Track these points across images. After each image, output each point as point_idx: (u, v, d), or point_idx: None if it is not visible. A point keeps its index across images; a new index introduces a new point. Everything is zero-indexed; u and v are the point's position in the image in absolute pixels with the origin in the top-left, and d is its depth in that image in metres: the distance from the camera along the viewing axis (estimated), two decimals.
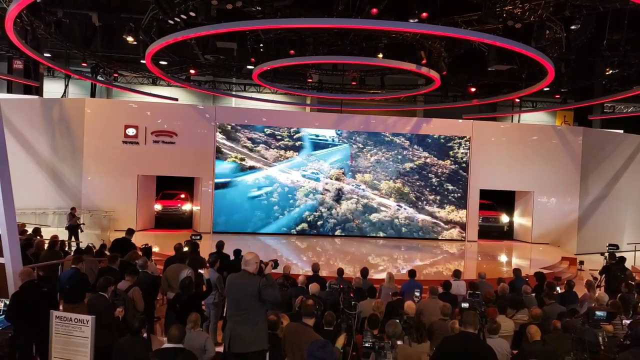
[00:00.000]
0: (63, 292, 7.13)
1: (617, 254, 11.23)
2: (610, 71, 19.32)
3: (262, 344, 5.03)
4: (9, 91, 21.69)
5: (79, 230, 15.04)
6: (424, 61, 16.93)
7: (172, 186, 20.07)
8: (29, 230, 11.44)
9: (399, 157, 18.65)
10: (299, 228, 18.16)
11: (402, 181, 18.58)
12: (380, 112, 23.21)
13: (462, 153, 18.64)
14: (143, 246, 10.22)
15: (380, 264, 13.13)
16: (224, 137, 17.98)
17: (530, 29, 13.93)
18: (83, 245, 11.47)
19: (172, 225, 18.57)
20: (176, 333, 4.77)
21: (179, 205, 19.57)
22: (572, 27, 14.21)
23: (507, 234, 19.95)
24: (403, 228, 18.48)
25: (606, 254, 11.54)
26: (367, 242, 17.72)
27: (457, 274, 9.17)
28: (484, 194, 19.28)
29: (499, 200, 19.99)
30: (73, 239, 14.55)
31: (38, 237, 10.23)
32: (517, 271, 9.45)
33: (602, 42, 16.63)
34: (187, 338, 5.03)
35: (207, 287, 7.17)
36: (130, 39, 17.02)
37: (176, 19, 13.84)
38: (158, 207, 19.36)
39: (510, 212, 20.24)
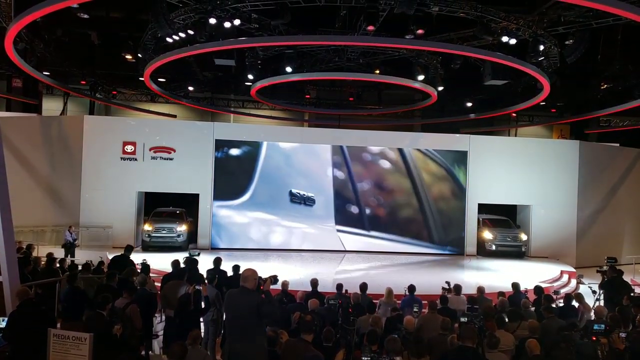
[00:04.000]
0: (62, 309, 7.10)
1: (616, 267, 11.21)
2: (605, 85, 19.52)
3: None
4: (8, 109, 21.83)
5: (74, 248, 14.97)
6: (420, 77, 17.08)
7: (159, 203, 17.98)
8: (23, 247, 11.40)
9: None
10: None
11: None
12: (377, 127, 23.33)
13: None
14: (143, 261, 10.19)
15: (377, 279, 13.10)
16: None
17: (525, 45, 14.11)
18: (80, 263, 11.42)
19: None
20: (178, 350, 4.74)
21: (174, 227, 16.36)
22: (567, 43, 14.40)
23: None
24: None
25: (605, 267, 11.52)
26: (364, 257, 17.67)
27: (456, 288, 9.13)
28: (496, 209, 18.86)
29: (499, 215, 19.75)
30: (69, 256, 14.48)
31: (32, 254, 10.21)
32: (516, 285, 9.42)
33: (596, 57, 16.85)
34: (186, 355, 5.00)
35: (205, 304, 7.14)
36: (129, 56, 17.17)
37: (175, 37, 13.98)
38: (148, 228, 16.38)
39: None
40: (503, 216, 19.07)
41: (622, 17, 12.14)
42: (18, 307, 5.93)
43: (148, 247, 16.22)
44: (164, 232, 16.29)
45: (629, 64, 17.32)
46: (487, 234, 18.10)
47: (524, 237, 18.05)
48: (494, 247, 17.85)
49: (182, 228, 16.64)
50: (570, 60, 14.61)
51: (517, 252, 17.84)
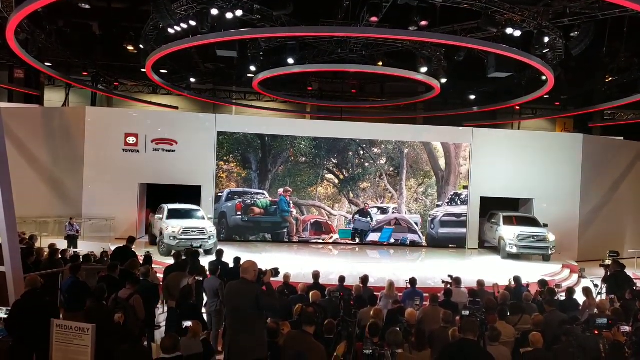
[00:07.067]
0: (65, 300, 7.13)
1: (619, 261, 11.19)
2: (610, 78, 19.41)
3: (261, 351, 5.01)
4: (10, 100, 21.84)
5: (77, 239, 15.01)
6: (423, 69, 17.01)
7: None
8: (26, 238, 11.44)
9: None
10: None
11: None
12: (380, 119, 23.27)
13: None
14: (146, 253, 10.21)
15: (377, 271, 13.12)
16: None
17: (529, 37, 14.02)
18: (82, 254, 11.44)
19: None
20: (169, 343, 4.76)
21: (205, 227, 13.98)
22: (572, 35, 14.30)
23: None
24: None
25: (607, 261, 11.50)
26: (365, 249, 17.69)
27: (456, 281, 9.13)
28: (498, 202, 18.31)
29: (501, 208, 19.54)
30: (72, 247, 14.51)
31: (35, 245, 10.24)
32: (517, 278, 9.42)
33: (601, 49, 16.73)
34: (186, 346, 5.01)
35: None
36: (130, 48, 17.10)
37: (176, 28, 13.92)
38: (173, 230, 13.55)
39: None
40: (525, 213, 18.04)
41: (628, 9, 12.05)
42: (22, 297, 5.94)
43: (170, 252, 12.56)
44: (194, 233, 13.69)
45: (634, 57, 17.21)
46: (506, 233, 15.67)
47: (551, 237, 15.56)
48: (515, 250, 15.32)
49: (212, 228, 14.28)
50: (575, 53, 14.53)
51: (544, 255, 15.55)
